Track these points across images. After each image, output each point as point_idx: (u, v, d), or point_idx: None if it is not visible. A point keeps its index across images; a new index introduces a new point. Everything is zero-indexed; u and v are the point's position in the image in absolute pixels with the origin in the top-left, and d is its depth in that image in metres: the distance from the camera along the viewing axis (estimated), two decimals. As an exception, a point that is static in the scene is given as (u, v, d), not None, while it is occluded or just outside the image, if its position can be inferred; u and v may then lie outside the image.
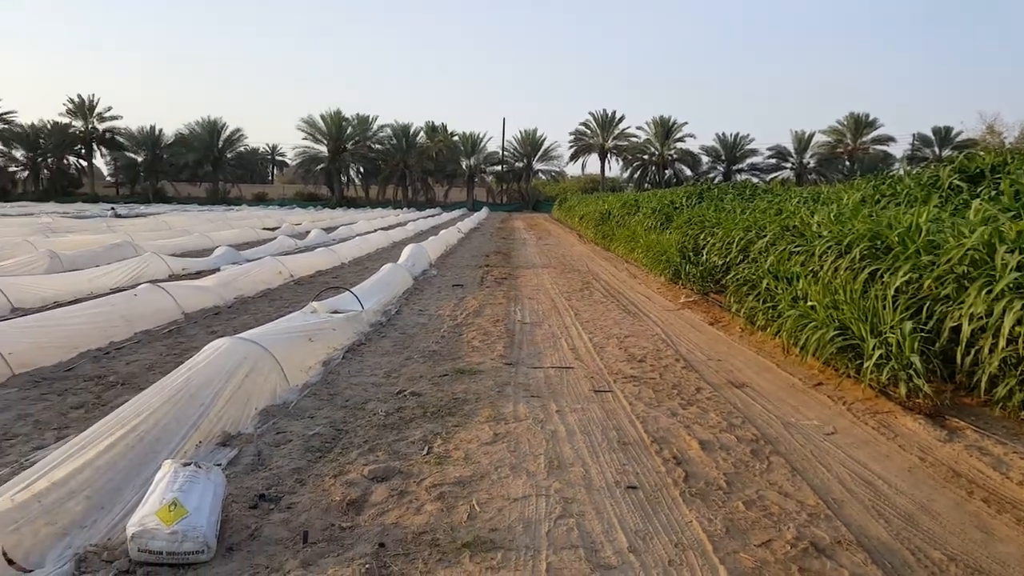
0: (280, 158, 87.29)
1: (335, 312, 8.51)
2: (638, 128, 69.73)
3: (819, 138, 67.65)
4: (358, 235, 24.19)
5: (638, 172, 70.04)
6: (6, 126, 64.90)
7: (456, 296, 11.43)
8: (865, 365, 5.66)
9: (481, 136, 70.36)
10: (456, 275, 14.56)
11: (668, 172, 68.53)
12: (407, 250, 15.42)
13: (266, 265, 12.84)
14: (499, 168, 71.71)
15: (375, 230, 27.38)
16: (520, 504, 3.73)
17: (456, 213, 53.07)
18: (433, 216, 46.11)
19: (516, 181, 72.03)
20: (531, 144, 70.87)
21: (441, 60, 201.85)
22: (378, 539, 3.28)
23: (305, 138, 67.89)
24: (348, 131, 67.50)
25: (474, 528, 3.44)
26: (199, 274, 13.14)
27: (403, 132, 68.55)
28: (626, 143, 69.48)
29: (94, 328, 7.27)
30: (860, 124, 65.56)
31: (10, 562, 2.87)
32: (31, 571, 2.90)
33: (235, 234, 22.76)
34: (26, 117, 68.83)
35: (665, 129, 67.87)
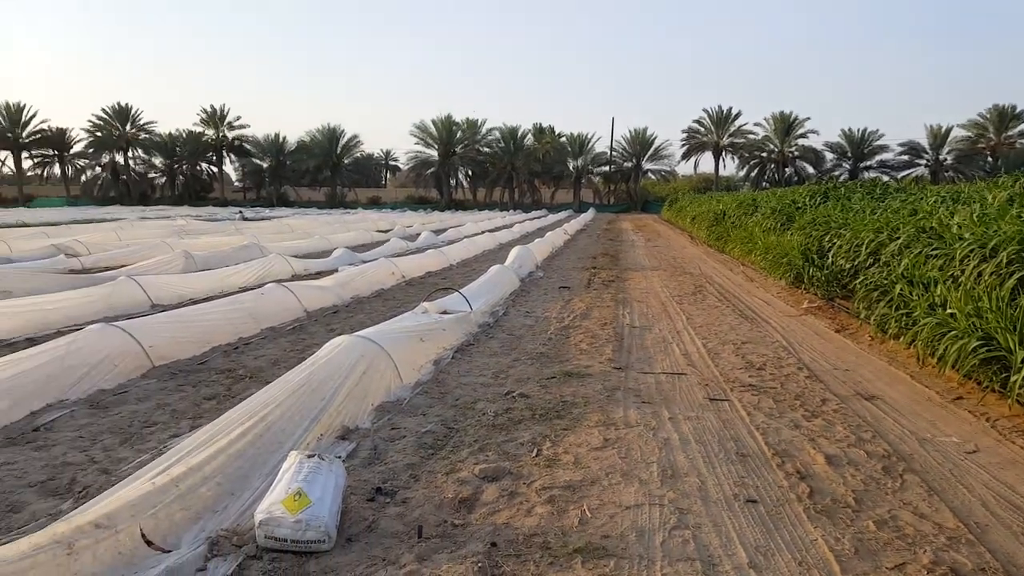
0: (393, 163, 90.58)
1: (445, 312, 8.73)
2: (755, 125, 67.22)
3: (957, 133, 62.56)
4: (466, 237, 24.71)
5: (755, 170, 67.44)
6: (147, 136, 71.16)
7: (563, 298, 11.43)
8: (1013, 379, 5.16)
9: (589, 136, 70.13)
10: (562, 277, 14.56)
11: (788, 170, 65.55)
12: (513, 252, 15.58)
13: (380, 266, 13.36)
14: (607, 168, 71.15)
15: (482, 232, 27.88)
16: (633, 512, 3.66)
17: (562, 215, 53.12)
18: (539, 218, 46.38)
19: (624, 181, 71.21)
20: (640, 143, 69.84)
21: (549, 62, 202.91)
22: (490, 538, 3.32)
23: (417, 143, 70.23)
24: (458, 135, 69.17)
25: (585, 533, 3.41)
26: (319, 274, 13.85)
27: (511, 135, 69.43)
28: (742, 140, 67.10)
29: (225, 324, 7.82)
30: (1005, 117, 59.99)
31: (149, 543, 3.12)
32: (168, 552, 3.13)
33: (351, 236, 23.83)
34: (164, 127, 75.07)
35: (785, 125, 64.96)
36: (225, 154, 73.08)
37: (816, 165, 65.72)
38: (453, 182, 72.56)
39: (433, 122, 69.10)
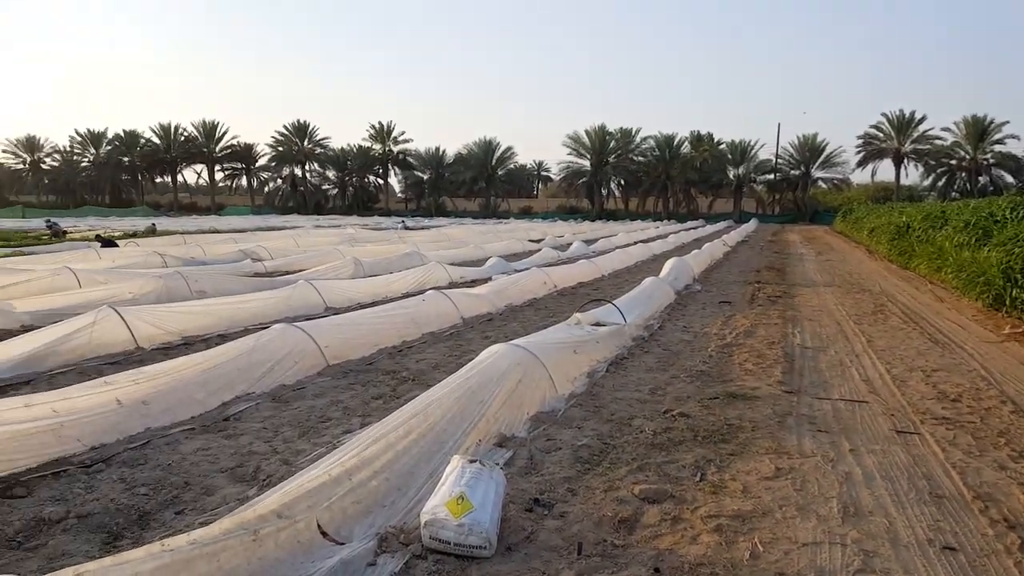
0: (545, 173, 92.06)
1: (598, 324, 8.66)
2: (943, 130, 61.04)
3: None
4: (617, 247, 24.48)
5: (942, 179, 61.27)
6: (322, 150, 77.38)
7: (723, 313, 10.96)
8: None
9: (751, 143, 67.10)
10: (723, 291, 13.98)
11: (982, 179, 58.91)
12: (669, 264, 15.19)
13: (532, 276, 13.55)
14: (771, 177, 67.67)
15: (635, 243, 27.49)
16: (811, 550, 3.39)
17: (721, 225, 51.19)
18: (696, 228, 45.01)
19: (791, 190, 67.34)
20: (810, 150, 65.77)
21: (708, 68, 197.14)
22: (652, 563, 3.21)
23: (569, 153, 70.81)
24: (611, 144, 68.94)
25: (758, 569, 3.21)
26: (473, 282, 14.31)
27: (666, 143, 68.11)
28: (927, 147, 61.19)
29: (390, 328, 8.26)
30: None
31: (324, 534, 3.33)
32: (341, 544, 3.32)
33: (504, 246, 24.42)
34: (337, 142, 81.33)
35: (978, 130, 58.45)
36: (390, 167, 77.84)
37: (1016, 174, 58.52)
38: (605, 191, 72.32)
39: (586, 132, 69.40)
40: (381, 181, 79.75)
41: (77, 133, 78.80)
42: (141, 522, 3.60)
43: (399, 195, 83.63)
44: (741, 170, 67.42)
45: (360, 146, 76.74)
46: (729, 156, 67.55)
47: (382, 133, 75.90)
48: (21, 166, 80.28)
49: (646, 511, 3.80)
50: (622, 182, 71.88)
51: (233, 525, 3.13)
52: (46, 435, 4.41)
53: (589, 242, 27.74)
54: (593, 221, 58.66)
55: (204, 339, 8.42)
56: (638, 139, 69.17)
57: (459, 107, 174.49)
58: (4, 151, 79.57)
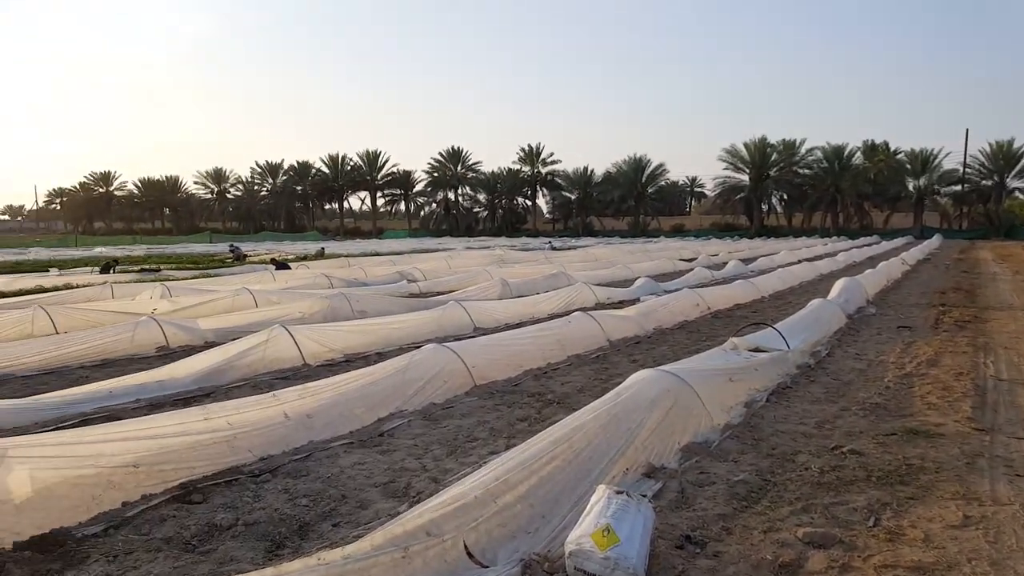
0: (699, 189, 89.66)
1: (756, 350, 8.23)
2: None
3: None
4: (779, 267, 23.23)
5: None
6: (474, 174, 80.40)
7: (902, 340, 10.02)
8: None
9: (933, 152, 61.43)
10: (901, 315, 12.81)
11: None
12: (838, 284, 14.15)
13: (683, 297, 13.15)
14: (958, 188, 61.50)
15: (799, 261, 25.94)
16: (1012, 617, 2.97)
17: (899, 241, 47.11)
18: (869, 245, 41.71)
19: (982, 203, 60.78)
20: (1004, 157, 59.11)
21: (881, 73, 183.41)
22: (817, 616, 2.96)
23: (726, 167, 68.50)
24: (772, 157, 65.91)
25: (945, 634, 2.85)
26: (621, 303, 14.15)
27: (835, 154, 63.98)
28: None
29: (536, 350, 8.34)
30: None
31: (470, 555, 3.38)
32: (486, 567, 3.35)
33: (654, 265, 23.97)
34: (487, 166, 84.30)
35: None
36: (538, 188, 79.32)
37: None
38: (765, 207, 69.13)
39: (745, 145, 66.86)
40: (529, 202, 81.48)
41: (257, 165, 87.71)
42: (301, 532, 3.85)
43: (546, 216, 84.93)
44: (922, 181, 61.85)
45: (509, 169, 78.92)
46: (908, 166, 62.25)
47: (531, 155, 77.57)
48: (209, 196, 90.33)
49: (811, 557, 3.51)
50: (784, 197, 68.33)
51: (384, 541, 3.26)
52: (221, 445, 4.85)
53: (747, 261, 26.56)
54: (752, 239, 56.16)
55: (364, 356, 8.94)
56: (803, 151, 65.57)
57: (608, 126, 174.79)
58: (196, 183, 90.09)
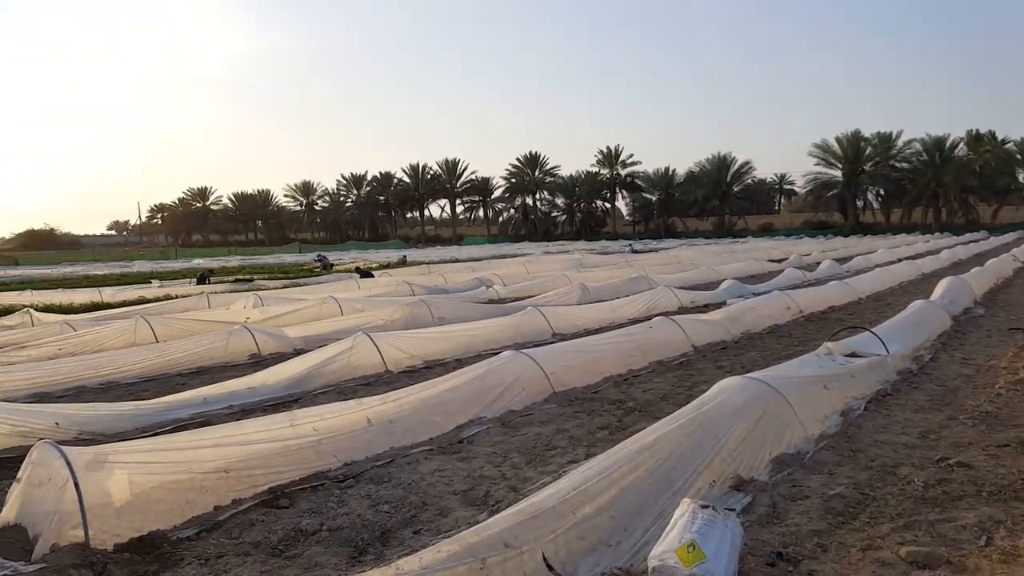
0: (788, 186, 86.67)
1: (852, 355, 7.83)
2: None
3: None
4: (877, 266, 22.13)
5: None
6: (552, 179, 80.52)
7: (1015, 343, 9.32)
8: None
9: (1048, 139, 57.25)
10: (1014, 316, 11.93)
11: None
12: (942, 284, 13.32)
13: (773, 300, 12.69)
14: (1078, 177, 57.06)
15: (898, 260, 24.66)
16: None
17: (1009, 237, 44.09)
18: (976, 242, 39.19)
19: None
20: None
21: (984, 59, 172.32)
22: (925, 645, 2.76)
23: (817, 163, 66.08)
24: (867, 151, 63.09)
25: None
26: (706, 307, 13.78)
27: (935, 146, 60.59)
28: None
29: (615, 356, 8.21)
30: None
31: (549, 568, 3.33)
32: (566, 579, 3.29)
33: (740, 267, 23.27)
34: (565, 170, 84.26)
35: None
36: (618, 191, 78.62)
37: None
38: (860, 203, 66.13)
39: (837, 139, 64.31)
40: (608, 205, 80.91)
41: (343, 176, 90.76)
42: (383, 539, 3.90)
43: (626, 218, 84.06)
44: (1035, 171, 57.73)
45: (588, 172, 78.64)
46: (1018, 156, 58.19)
47: (610, 157, 77.00)
48: (298, 208, 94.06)
49: (915, 579, 3.28)
50: (881, 192, 65.21)
51: (462, 550, 3.25)
52: (307, 451, 4.99)
53: (841, 260, 25.45)
54: (846, 236, 53.82)
55: (443, 363, 9.05)
56: (899, 143, 62.48)
57: (689, 125, 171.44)
58: (285, 196, 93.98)
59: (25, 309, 14.09)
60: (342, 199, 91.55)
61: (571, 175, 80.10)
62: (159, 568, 3.53)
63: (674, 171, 74.81)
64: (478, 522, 3.97)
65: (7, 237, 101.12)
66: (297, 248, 66.84)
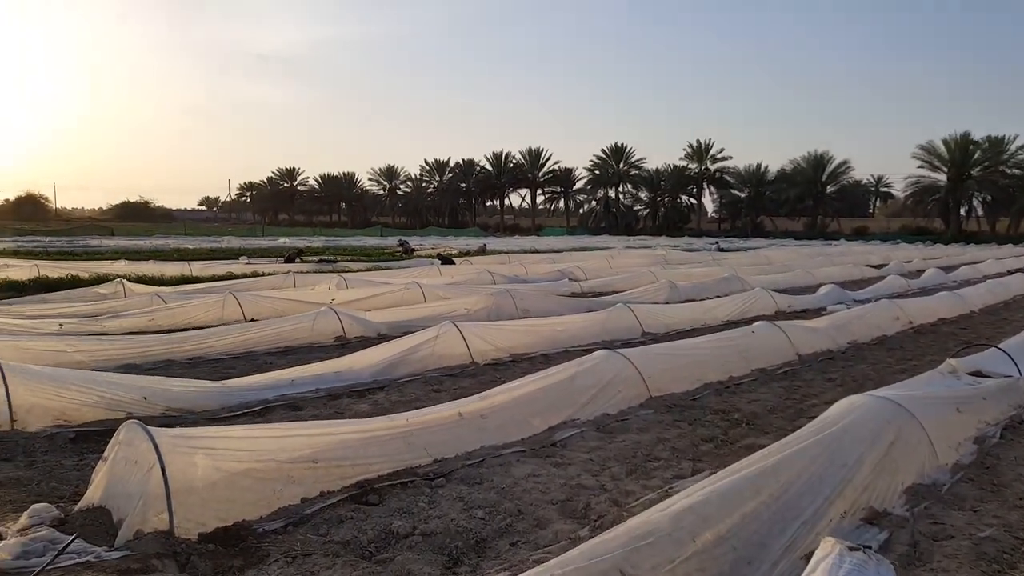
0: (885, 189, 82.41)
1: (978, 374, 7.14)
2: None
3: None
4: (986, 277, 20.58)
5: None
6: (636, 171, 78.96)
7: None
8: None
9: None
10: None
11: None
12: (1075, 301, 12.15)
13: (880, 309, 11.84)
14: None
15: (1008, 272, 22.92)
16: None
17: None
18: (1100, 256, 36.06)
19: None
20: None
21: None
22: None
23: (920, 166, 62.50)
24: (975, 156, 59.13)
25: None
26: (804, 312, 13.03)
27: (1054, 151, 56.22)
28: None
29: (715, 361, 7.73)
30: None
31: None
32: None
33: (838, 271, 22.06)
34: (651, 163, 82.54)
35: None
36: (705, 186, 76.47)
37: None
38: (964, 210, 62.13)
39: (944, 141, 60.50)
40: (694, 201, 78.81)
41: (426, 162, 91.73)
42: (478, 548, 3.65)
43: (711, 215, 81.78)
44: None
45: (675, 166, 76.79)
46: None
47: (699, 151, 74.95)
48: (381, 192, 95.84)
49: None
50: (987, 199, 61.06)
51: (563, 573, 2.96)
52: (397, 442, 4.79)
53: (947, 269, 23.80)
54: (947, 244, 50.59)
55: (529, 357, 8.78)
56: (1012, 147, 58.21)
57: (783, 121, 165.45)
58: (370, 179, 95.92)
59: (118, 279, 14.50)
60: (424, 184, 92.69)
61: (656, 168, 78.42)
62: (244, 564, 3.37)
63: (766, 168, 72.15)
64: (580, 538, 3.68)
65: (104, 208, 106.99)
66: (379, 232, 68.02)
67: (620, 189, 79.93)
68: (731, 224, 74.81)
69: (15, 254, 26.64)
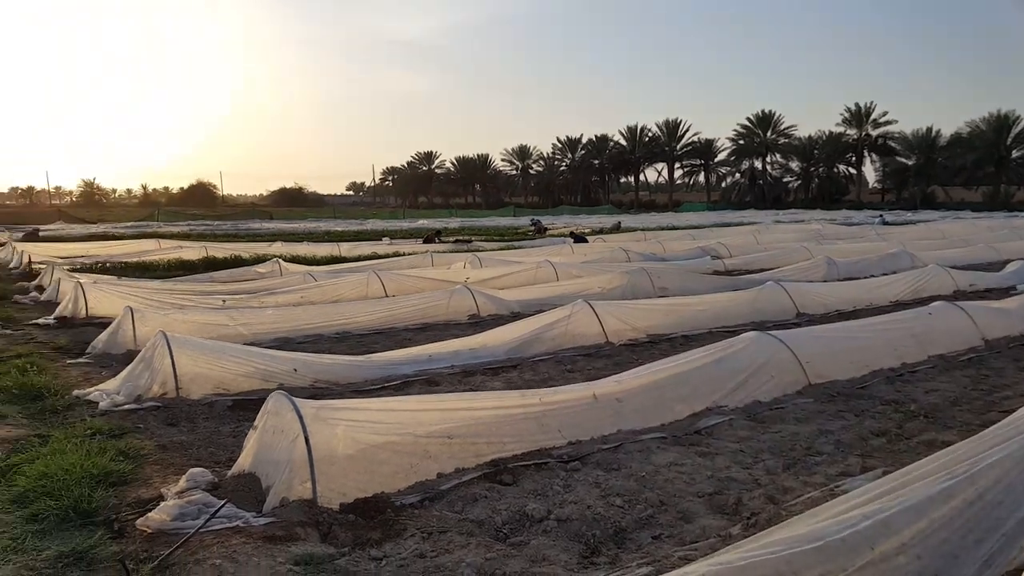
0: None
1: None
2: None
3: None
4: None
5: None
6: (786, 140, 74.57)
7: None
8: None
9: None
10: None
11: None
12: None
13: (1086, 288, 10.39)
14: None
15: None
16: None
17: None
18: None
19: None
20: None
21: None
22: None
23: None
24: None
25: None
26: (988, 292, 11.74)
27: None
28: None
29: (883, 345, 7.03)
30: None
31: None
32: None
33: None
34: (803, 130, 77.52)
35: None
36: (865, 154, 70.96)
37: None
38: None
39: None
40: (852, 170, 73.33)
41: (558, 140, 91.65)
42: (617, 539, 3.46)
43: (872, 185, 75.82)
44: None
45: (830, 132, 71.75)
46: None
47: (858, 116, 69.58)
48: (514, 172, 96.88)
49: None
50: None
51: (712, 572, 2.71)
52: (531, 422, 4.69)
53: None
54: None
55: (668, 338, 8.44)
56: None
57: (957, 79, 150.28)
58: (502, 160, 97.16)
59: (275, 259, 15.70)
60: (556, 163, 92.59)
61: (809, 136, 73.55)
62: (382, 536, 3.39)
63: (938, 132, 65.65)
64: (732, 537, 3.40)
65: (263, 194, 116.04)
66: (511, 212, 68.75)
67: (767, 160, 75.87)
68: (896, 195, 68.90)
69: (187, 236, 29.35)
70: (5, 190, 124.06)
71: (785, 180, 76.68)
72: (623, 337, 8.30)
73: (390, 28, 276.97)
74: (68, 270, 14.14)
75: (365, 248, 22.25)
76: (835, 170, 73.32)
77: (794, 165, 75.40)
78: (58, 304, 10.46)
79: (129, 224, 44.59)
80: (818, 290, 11.01)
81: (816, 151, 72.48)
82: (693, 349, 6.37)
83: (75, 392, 6.05)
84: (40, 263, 16.77)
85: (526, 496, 3.89)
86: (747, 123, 75.70)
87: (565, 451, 4.56)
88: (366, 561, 3.16)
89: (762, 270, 15.03)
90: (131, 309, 8.04)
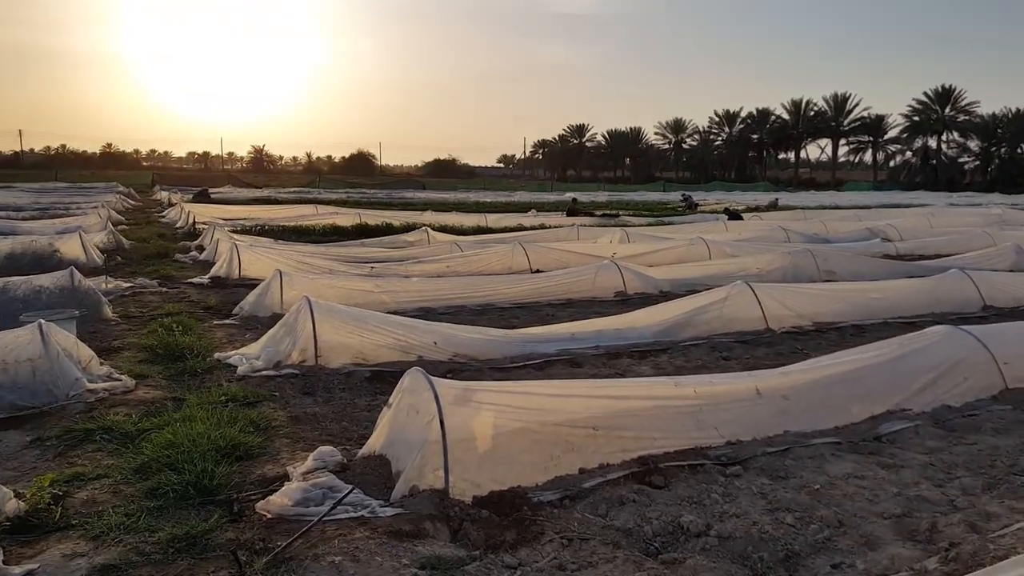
0: None
1: None
2: None
3: None
4: None
5: None
6: (966, 118, 66.75)
7: None
8: None
9: None
10: None
11: None
12: None
13: None
14: None
15: None
16: None
17: None
18: None
19: None
20: None
21: None
22: None
23: None
24: None
25: None
26: None
27: None
28: None
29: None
30: None
31: None
32: None
33: None
34: (986, 107, 68.93)
35: None
36: (1063, 131, 62.18)
37: None
38: None
39: None
40: (1044, 151, 64.47)
41: (716, 114, 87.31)
42: (788, 564, 2.92)
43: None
44: None
45: (1017, 110, 63.32)
46: None
47: (1056, 89, 60.80)
48: (667, 146, 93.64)
49: None
50: None
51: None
52: (685, 417, 4.18)
53: None
54: None
55: (837, 327, 7.57)
56: None
57: None
58: (655, 133, 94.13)
59: (424, 228, 15.79)
60: (711, 137, 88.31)
61: (993, 113, 65.39)
62: (517, 539, 3.05)
63: None
64: (927, 572, 2.78)
65: (418, 165, 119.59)
66: (662, 187, 66.46)
67: (944, 138, 68.34)
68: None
69: (344, 203, 30.53)
70: (183, 155, 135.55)
71: (961, 160, 68.82)
72: (785, 324, 7.50)
73: (555, 1, 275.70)
74: (228, 231, 14.54)
75: (511, 219, 22.08)
76: (1019, 151, 64.81)
77: (972, 145, 67.41)
78: (214, 264, 10.77)
79: (292, 190, 45.91)
80: (1007, 280, 9.57)
81: (1000, 130, 64.33)
82: (866, 342, 5.55)
83: (216, 355, 6.02)
84: (203, 223, 17.29)
85: (680, 504, 3.41)
86: (924, 98, 68.38)
87: (723, 452, 4.01)
88: (499, 569, 2.81)
89: (937, 255, 13.42)
90: (280, 272, 8.06)
